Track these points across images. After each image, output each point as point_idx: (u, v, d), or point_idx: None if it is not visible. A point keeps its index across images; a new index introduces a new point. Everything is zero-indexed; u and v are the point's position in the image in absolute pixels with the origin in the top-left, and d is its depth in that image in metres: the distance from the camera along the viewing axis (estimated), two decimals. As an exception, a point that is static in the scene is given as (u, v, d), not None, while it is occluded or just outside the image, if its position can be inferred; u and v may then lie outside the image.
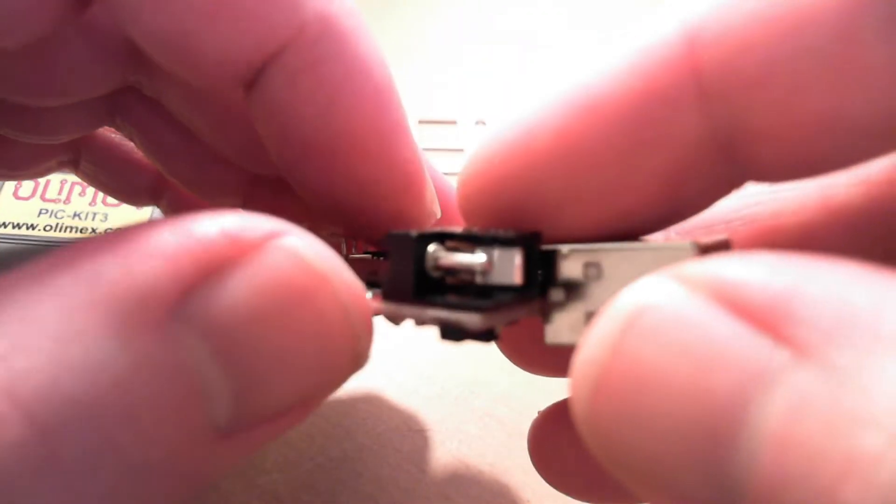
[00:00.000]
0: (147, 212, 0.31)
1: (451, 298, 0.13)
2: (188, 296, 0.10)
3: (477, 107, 0.44)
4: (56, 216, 0.31)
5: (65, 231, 0.30)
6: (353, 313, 0.12)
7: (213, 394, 0.10)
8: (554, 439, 0.17)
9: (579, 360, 0.10)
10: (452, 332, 0.13)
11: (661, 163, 0.12)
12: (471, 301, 0.13)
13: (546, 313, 0.13)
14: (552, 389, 0.26)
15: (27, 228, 0.30)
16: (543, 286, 0.13)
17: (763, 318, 0.08)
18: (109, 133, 0.25)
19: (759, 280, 0.09)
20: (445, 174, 0.20)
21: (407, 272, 0.13)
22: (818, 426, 0.07)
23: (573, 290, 0.13)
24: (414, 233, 0.13)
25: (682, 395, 0.09)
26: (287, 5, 0.14)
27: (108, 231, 0.12)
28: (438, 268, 0.13)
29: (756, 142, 0.12)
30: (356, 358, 0.12)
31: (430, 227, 0.14)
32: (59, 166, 0.24)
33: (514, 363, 0.18)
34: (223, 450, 0.11)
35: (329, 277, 0.11)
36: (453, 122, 0.43)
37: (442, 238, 0.14)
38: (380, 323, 0.26)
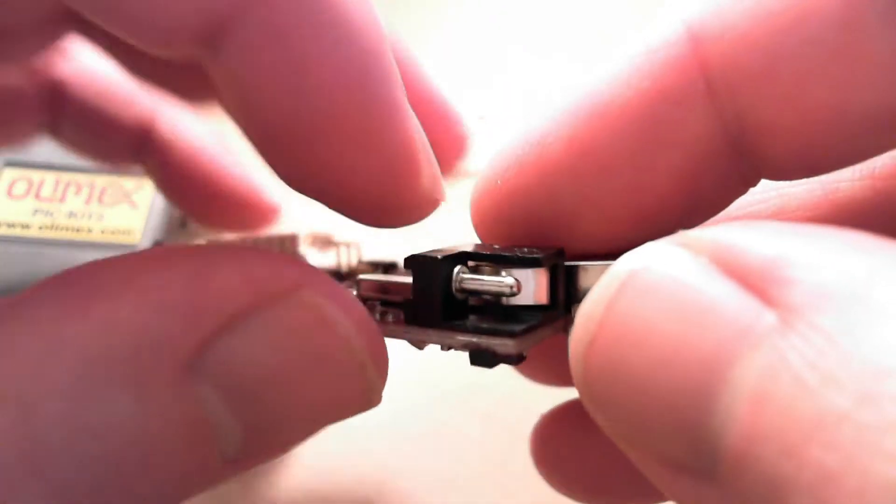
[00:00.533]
0: (145, 210, 0.31)
1: (481, 324, 0.13)
2: (204, 348, 0.10)
3: (477, 101, 0.44)
4: (50, 215, 0.31)
5: (59, 231, 0.30)
6: (369, 369, 0.12)
7: (223, 434, 0.11)
8: (556, 442, 0.17)
9: (578, 318, 0.10)
10: (483, 358, 0.13)
11: (674, 163, 0.12)
12: (502, 326, 0.12)
13: (570, 329, 0.13)
14: (554, 391, 0.26)
15: (21, 228, 0.30)
16: (567, 302, 0.13)
17: (754, 280, 0.08)
18: (90, 82, 0.23)
19: (755, 244, 0.09)
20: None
21: (433, 297, 0.13)
22: (792, 385, 0.07)
23: None
24: (439, 256, 0.13)
25: (668, 351, 0.09)
26: None
27: (118, 259, 0.11)
28: (463, 290, 0.13)
29: (766, 136, 0.12)
30: (367, 404, 0.12)
31: (455, 249, 0.13)
32: (39, 129, 0.23)
33: (527, 377, 0.18)
34: (229, 471, 0.11)
35: (350, 337, 0.11)
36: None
37: (466, 258, 0.13)
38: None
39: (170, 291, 0.10)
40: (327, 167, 0.13)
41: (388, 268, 0.19)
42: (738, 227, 0.09)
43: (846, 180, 0.14)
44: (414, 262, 0.13)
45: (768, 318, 0.08)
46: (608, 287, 0.09)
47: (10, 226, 0.30)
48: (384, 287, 0.15)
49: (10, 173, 0.31)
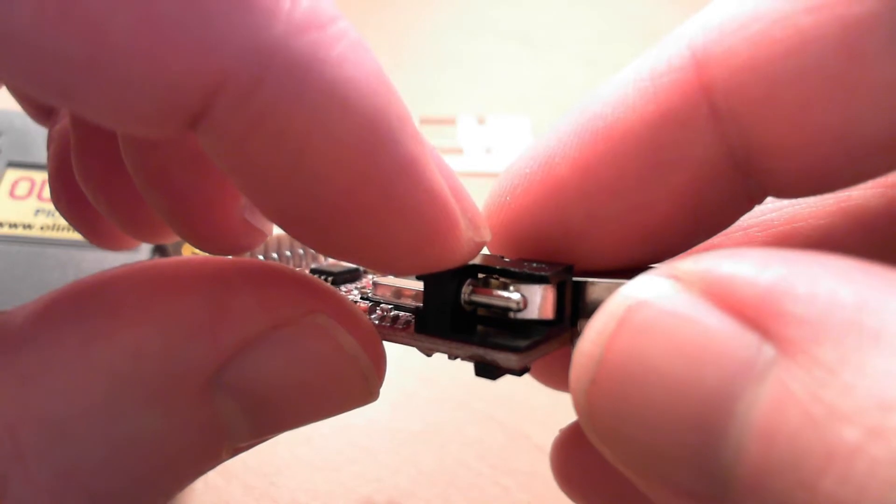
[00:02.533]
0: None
1: (487, 338, 0.13)
2: (224, 367, 0.11)
3: (476, 104, 0.44)
4: (52, 216, 0.31)
5: (61, 231, 0.30)
6: (371, 377, 0.13)
7: (236, 433, 0.12)
8: (577, 457, 0.17)
9: (576, 355, 0.10)
10: (488, 370, 0.13)
11: (680, 183, 0.12)
12: (507, 341, 0.13)
13: (576, 343, 0.13)
14: (554, 392, 0.26)
15: (23, 228, 0.30)
16: (573, 317, 0.13)
17: (751, 313, 0.09)
18: None
19: (748, 276, 0.09)
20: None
21: (443, 310, 0.13)
22: (800, 420, 0.08)
23: None
24: (451, 273, 0.13)
25: (672, 388, 0.09)
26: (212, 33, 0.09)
27: (135, 274, 0.11)
28: (471, 303, 0.13)
29: (770, 157, 0.12)
30: (365, 402, 0.14)
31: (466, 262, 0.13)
32: None
33: (541, 382, 0.18)
34: (231, 456, 0.12)
35: (358, 358, 0.13)
36: (452, 121, 0.43)
37: (475, 272, 0.13)
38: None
39: (191, 315, 0.11)
40: (356, 239, 0.12)
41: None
42: (728, 258, 0.09)
43: (858, 189, 0.14)
44: (426, 276, 0.13)
45: (768, 351, 0.08)
46: (606, 325, 0.10)
47: (13, 226, 0.30)
48: (398, 292, 0.15)
49: (13, 174, 0.31)
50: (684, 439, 0.09)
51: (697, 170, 0.12)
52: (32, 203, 0.31)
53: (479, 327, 0.13)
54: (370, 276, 0.17)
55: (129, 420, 0.10)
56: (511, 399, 0.26)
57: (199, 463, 0.12)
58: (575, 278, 0.13)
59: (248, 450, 0.13)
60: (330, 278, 0.17)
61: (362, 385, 0.13)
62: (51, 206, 0.31)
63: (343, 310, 0.13)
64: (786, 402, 0.08)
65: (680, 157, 0.12)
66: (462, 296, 0.13)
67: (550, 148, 0.13)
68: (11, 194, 0.31)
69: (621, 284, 0.12)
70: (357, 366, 0.13)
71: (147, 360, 0.11)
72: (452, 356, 0.14)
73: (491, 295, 0.13)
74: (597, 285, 0.13)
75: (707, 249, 0.14)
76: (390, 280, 0.16)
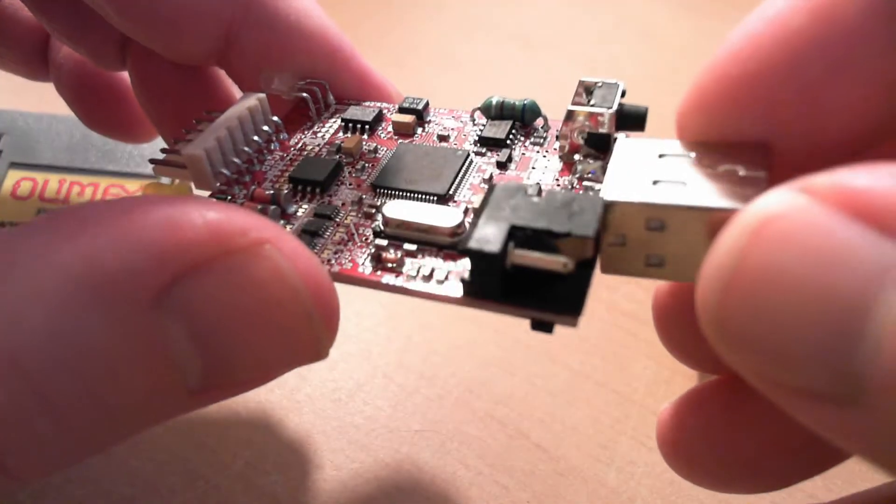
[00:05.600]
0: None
1: (539, 300, 0.13)
2: (172, 286, 0.12)
3: (476, 105, 0.44)
4: (54, 216, 0.31)
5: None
6: (316, 319, 0.13)
7: (185, 365, 0.12)
8: (685, 430, 0.17)
9: (708, 267, 0.10)
10: (544, 326, 0.14)
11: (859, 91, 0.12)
12: (562, 305, 0.13)
13: (603, 251, 0.14)
14: (553, 390, 0.26)
15: (25, 228, 0.30)
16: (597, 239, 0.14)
17: (888, 222, 0.09)
18: None
19: (884, 187, 0.09)
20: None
21: (493, 280, 0.13)
22: None
23: (635, 233, 0.13)
24: (497, 249, 0.13)
25: (810, 293, 0.09)
26: None
27: (106, 203, 0.13)
28: (516, 265, 0.13)
29: None
30: (316, 353, 0.14)
31: (505, 222, 0.14)
32: None
33: (674, 356, 0.18)
34: (190, 402, 0.13)
35: (298, 290, 0.13)
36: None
37: (518, 233, 0.14)
38: (380, 326, 0.26)
39: (145, 233, 0.12)
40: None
41: (373, 125, 0.20)
42: (861, 171, 0.09)
43: None
44: (474, 255, 0.13)
45: None
46: (739, 236, 0.10)
47: (14, 225, 0.30)
48: (411, 232, 0.16)
49: (15, 174, 0.32)
50: (819, 340, 0.09)
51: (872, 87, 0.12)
52: (34, 203, 0.31)
53: (528, 280, 0.14)
54: (385, 214, 0.16)
55: (76, 320, 0.11)
56: (511, 399, 0.26)
57: (148, 387, 0.12)
58: (610, 199, 0.13)
59: (209, 402, 0.13)
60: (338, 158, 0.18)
61: (306, 325, 0.13)
62: (52, 206, 0.31)
63: (290, 245, 0.13)
64: None
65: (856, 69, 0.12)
66: (507, 260, 0.13)
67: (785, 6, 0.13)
68: (13, 194, 0.31)
69: (655, 208, 0.13)
70: (299, 299, 0.13)
71: (100, 266, 0.11)
72: (511, 315, 0.14)
73: (536, 258, 0.13)
74: (629, 212, 0.13)
75: None
76: (400, 214, 0.16)
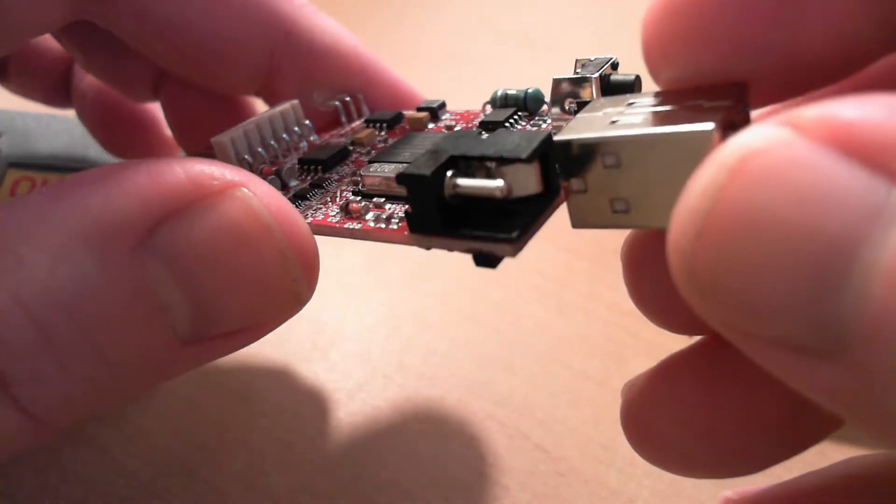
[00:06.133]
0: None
1: (478, 230, 0.13)
2: (155, 229, 0.13)
3: (476, 105, 0.43)
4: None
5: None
6: (290, 259, 0.14)
7: (173, 310, 0.13)
8: (649, 411, 0.16)
9: (680, 210, 0.10)
10: (486, 259, 0.13)
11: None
12: (498, 232, 0.13)
13: (569, 200, 0.13)
14: (554, 391, 0.26)
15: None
16: (565, 173, 0.13)
17: (880, 157, 0.08)
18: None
19: (875, 119, 0.08)
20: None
21: (429, 207, 0.13)
22: None
23: (593, 176, 0.13)
24: (428, 172, 0.13)
25: (791, 235, 0.08)
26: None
27: (107, 166, 0.14)
28: (457, 196, 0.13)
29: None
30: (295, 296, 0.15)
31: (445, 154, 0.14)
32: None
33: (650, 319, 0.17)
34: (185, 355, 0.14)
35: (271, 228, 0.14)
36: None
37: (455, 162, 0.13)
38: (380, 326, 0.26)
39: (129, 182, 0.13)
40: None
41: (392, 123, 0.20)
42: (852, 102, 0.09)
43: None
44: (404, 179, 0.13)
45: None
46: (716, 177, 0.09)
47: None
48: (385, 183, 0.16)
49: (14, 174, 0.31)
50: (800, 288, 0.08)
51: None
52: (33, 203, 0.31)
53: (475, 222, 0.13)
54: (361, 172, 0.17)
55: (72, 266, 0.12)
56: (511, 399, 0.26)
57: (140, 332, 0.13)
58: (559, 138, 0.13)
59: (202, 357, 0.14)
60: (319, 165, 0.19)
61: (281, 263, 0.14)
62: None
63: (264, 190, 0.14)
64: None
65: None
66: (445, 191, 0.13)
67: None
68: (12, 194, 0.31)
69: (607, 142, 0.12)
70: (272, 237, 0.14)
71: (90, 216, 0.13)
72: (450, 250, 0.14)
73: (473, 186, 0.13)
74: (582, 148, 0.12)
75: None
76: (377, 171, 0.17)
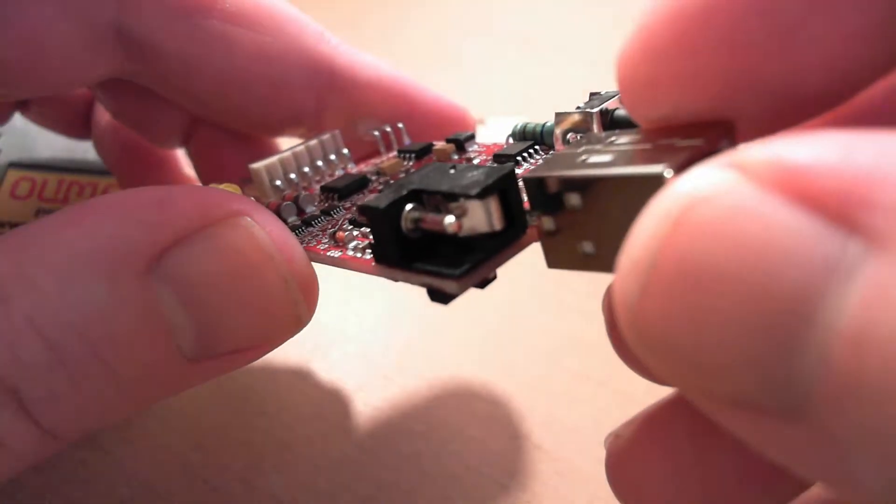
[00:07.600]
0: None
1: (431, 265, 0.13)
2: (163, 255, 0.14)
3: (476, 105, 0.44)
4: (53, 216, 0.31)
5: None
6: (292, 285, 0.15)
7: (179, 331, 0.14)
8: (636, 467, 0.15)
9: (624, 262, 0.09)
10: (438, 295, 0.14)
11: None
12: (445, 269, 0.13)
13: (542, 239, 0.13)
14: (554, 392, 0.26)
15: (24, 228, 0.30)
16: (536, 208, 0.12)
17: (834, 205, 0.07)
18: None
19: (830, 163, 0.08)
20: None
21: (388, 240, 0.14)
22: None
23: (562, 217, 0.12)
24: (383, 205, 0.13)
25: (742, 293, 0.08)
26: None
27: (116, 194, 0.15)
28: (417, 228, 0.13)
29: None
30: (296, 318, 0.15)
31: (408, 187, 0.14)
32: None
33: (633, 370, 0.16)
34: (190, 373, 0.14)
35: (273, 256, 0.14)
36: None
37: (418, 196, 0.14)
38: (380, 326, 0.26)
39: (138, 210, 0.14)
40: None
41: (420, 154, 0.21)
42: (803, 142, 0.08)
43: None
44: (364, 211, 0.14)
45: (855, 247, 0.07)
46: (658, 227, 0.08)
47: (14, 226, 0.30)
48: (359, 216, 0.16)
49: (14, 174, 0.31)
50: (755, 349, 0.08)
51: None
52: (33, 203, 0.31)
53: (430, 258, 0.13)
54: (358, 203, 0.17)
55: (82, 288, 0.13)
56: (512, 400, 0.26)
57: (147, 350, 0.13)
58: (526, 175, 0.12)
59: (206, 374, 0.15)
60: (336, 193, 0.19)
61: (283, 288, 0.15)
62: (51, 207, 0.31)
63: (266, 218, 0.15)
64: (881, 301, 0.07)
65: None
66: (405, 223, 0.14)
67: None
68: (12, 194, 0.31)
69: (565, 179, 0.11)
70: (274, 264, 0.14)
71: (100, 241, 0.13)
72: (411, 283, 0.14)
73: (428, 221, 0.13)
74: (555, 177, 0.12)
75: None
76: (369, 201, 0.16)
